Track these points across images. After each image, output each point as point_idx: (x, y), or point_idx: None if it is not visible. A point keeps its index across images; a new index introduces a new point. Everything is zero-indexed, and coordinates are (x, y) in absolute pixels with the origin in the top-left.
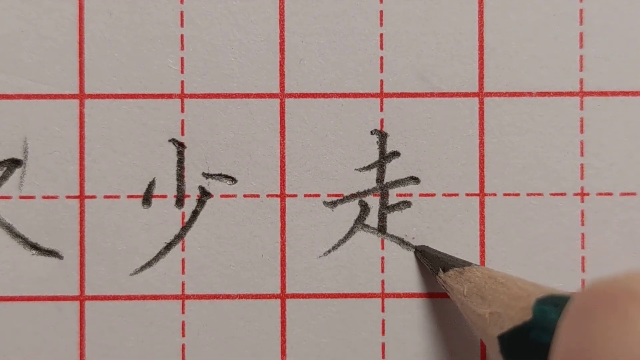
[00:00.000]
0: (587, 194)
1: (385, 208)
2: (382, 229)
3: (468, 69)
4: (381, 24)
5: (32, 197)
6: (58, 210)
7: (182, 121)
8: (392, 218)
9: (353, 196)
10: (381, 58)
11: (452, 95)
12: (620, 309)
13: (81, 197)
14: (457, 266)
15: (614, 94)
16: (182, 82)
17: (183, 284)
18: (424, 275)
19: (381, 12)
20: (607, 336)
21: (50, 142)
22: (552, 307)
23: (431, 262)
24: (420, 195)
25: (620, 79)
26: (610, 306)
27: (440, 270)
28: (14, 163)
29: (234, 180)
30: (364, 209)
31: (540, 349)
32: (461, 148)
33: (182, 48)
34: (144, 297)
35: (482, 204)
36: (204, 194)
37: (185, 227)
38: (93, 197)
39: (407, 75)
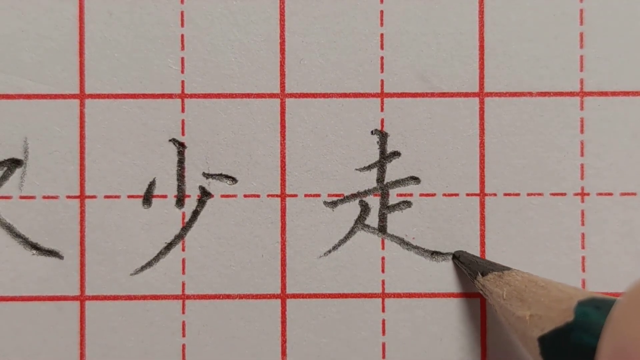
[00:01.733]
0: (588, 194)
1: (386, 208)
2: (382, 229)
3: (468, 69)
4: (381, 24)
5: (32, 197)
6: (58, 210)
7: (183, 121)
8: (392, 218)
9: (353, 196)
10: (381, 58)
11: (452, 95)
12: None
13: (81, 197)
14: (496, 270)
15: (614, 94)
16: (182, 82)
17: (183, 284)
18: (425, 275)
19: (381, 12)
20: None
21: (50, 142)
22: (594, 309)
23: (469, 267)
24: (421, 195)
25: (621, 79)
26: None
27: (479, 274)
28: (14, 163)
29: (234, 180)
30: (365, 209)
31: (581, 350)
32: (461, 148)
33: (182, 48)
34: (144, 297)
35: (482, 204)
36: (204, 194)
37: (186, 227)
38: (93, 197)
39: (408, 75)
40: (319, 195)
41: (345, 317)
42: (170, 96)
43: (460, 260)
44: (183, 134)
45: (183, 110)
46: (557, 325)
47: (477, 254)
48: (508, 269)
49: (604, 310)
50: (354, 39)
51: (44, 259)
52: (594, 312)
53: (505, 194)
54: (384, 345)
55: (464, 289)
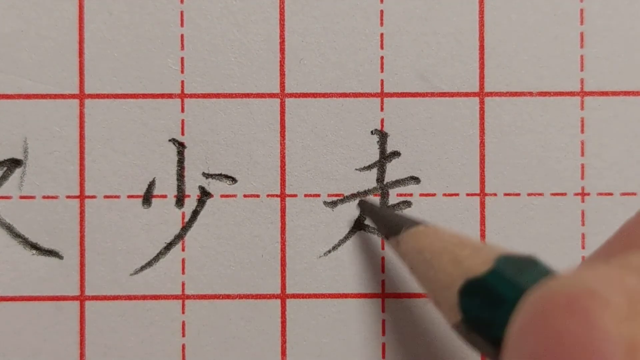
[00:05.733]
0: (588, 194)
1: (386, 208)
2: None
3: (468, 68)
4: (381, 24)
5: (32, 197)
6: (58, 210)
7: (182, 121)
8: None
9: (353, 196)
10: (381, 58)
11: (452, 95)
12: (581, 310)
13: (81, 197)
14: (406, 226)
15: (614, 94)
16: (182, 82)
17: (183, 284)
18: None
19: (381, 11)
20: (568, 339)
21: (50, 142)
22: (513, 263)
23: (376, 221)
24: (421, 195)
25: (621, 78)
26: (571, 307)
27: (391, 234)
28: (14, 163)
29: (234, 180)
30: None
31: (498, 300)
32: (462, 148)
33: (182, 48)
34: (144, 297)
35: (482, 204)
36: (204, 194)
37: (186, 227)
38: (93, 197)
39: (408, 75)
40: (319, 195)
41: (345, 317)
42: (170, 96)
43: (365, 211)
44: (183, 134)
45: (183, 110)
46: (476, 275)
47: None
48: (416, 223)
49: (522, 266)
50: (354, 39)
51: (44, 259)
52: (513, 264)
53: (506, 194)
54: (384, 345)
55: None
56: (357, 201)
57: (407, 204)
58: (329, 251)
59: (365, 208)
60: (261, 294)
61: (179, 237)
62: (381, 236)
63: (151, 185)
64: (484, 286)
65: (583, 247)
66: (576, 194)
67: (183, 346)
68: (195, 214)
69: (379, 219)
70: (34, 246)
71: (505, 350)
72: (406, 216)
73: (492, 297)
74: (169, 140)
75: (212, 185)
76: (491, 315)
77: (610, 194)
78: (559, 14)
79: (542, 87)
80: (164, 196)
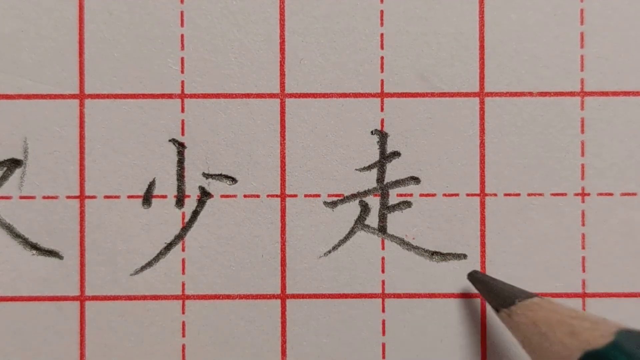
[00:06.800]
0: (588, 194)
1: (386, 208)
2: (382, 229)
3: (469, 68)
4: (381, 24)
5: (32, 197)
6: (58, 210)
7: (182, 121)
8: (392, 218)
9: (353, 196)
10: (381, 58)
11: (452, 95)
12: None
13: (81, 197)
14: (518, 297)
15: (614, 94)
16: (182, 82)
17: (183, 284)
18: (425, 275)
19: (381, 12)
20: None
21: (50, 142)
22: (633, 337)
23: (488, 293)
24: (421, 195)
25: (621, 79)
26: None
27: (502, 306)
28: (14, 163)
29: (234, 180)
30: (365, 209)
31: None
32: (462, 148)
33: (182, 48)
34: (144, 297)
35: (482, 204)
36: (204, 194)
37: (186, 227)
38: (93, 197)
39: (408, 75)
40: (319, 196)
41: (345, 317)
42: (170, 96)
43: (475, 281)
44: (183, 134)
45: (183, 110)
46: (596, 348)
47: (477, 254)
48: (530, 295)
49: None
50: (354, 39)
51: (44, 259)
52: (633, 339)
53: (506, 194)
54: (384, 345)
55: (463, 289)
56: (357, 201)
57: (407, 204)
58: (329, 251)
59: (475, 279)
60: (261, 294)
61: (179, 237)
62: (492, 308)
63: (151, 185)
64: (604, 359)
65: (583, 247)
66: (576, 194)
67: (183, 346)
68: (195, 214)
69: (490, 290)
70: (34, 246)
71: None
72: (517, 288)
73: None
74: (169, 140)
75: (212, 186)
76: None
77: (610, 194)
78: (559, 14)
79: (542, 87)
80: (164, 196)
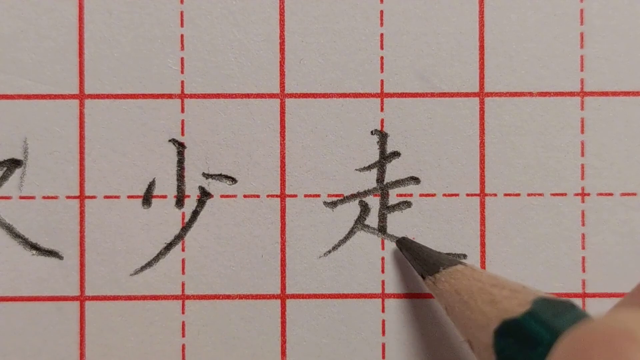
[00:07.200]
0: (588, 194)
1: (386, 208)
2: (382, 229)
3: (468, 69)
4: (381, 24)
5: (32, 197)
6: (58, 210)
7: (182, 121)
8: (392, 218)
9: (353, 196)
10: (381, 58)
11: (452, 95)
12: (618, 350)
13: (81, 197)
14: (443, 265)
15: (614, 94)
16: (182, 82)
17: (183, 284)
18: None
19: (381, 12)
20: None
21: (50, 142)
22: (549, 306)
23: (415, 260)
24: (421, 195)
25: (621, 79)
26: (608, 347)
27: (428, 274)
28: (14, 163)
29: (234, 180)
30: (364, 209)
31: (534, 341)
32: (461, 148)
33: (182, 48)
34: (144, 297)
35: (482, 204)
36: (204, 194)
37: (185, 228)
38: (93, 197)
39: (408, 75)
40: (318, 196)
41: (345, 318)
42: (170, 96)
43: (403, 247)
44: (183, 134)
45: (183, 110)
46: (513, 316)
47: (477, 254)
48: (454, 262)
49: (559, 309)
50: (354, 39)
51: (44, 259)
52: (550, 308)
53: (506, 194)
54: (383, 345)
55: None
56: (356, 201)
57: (407, 204)
58: (329, 251)
59: (403, 245)
60: (261, 294)
61: (179, 237)
62: (419, 273)
63: (151, 185)
64: (520, 327)
65: (583, 247)
66: (576, 194)
67: (183, 346)
68: (195, 214)
69: (416, 257)
70: (34, 246)
71: None
72: (444, 255)
73: (528, 338)
74: (169, 141)
75: (212, 186)
76: (526, 356)
77: (610, 194)
78: (559, 14)
79: (542, 88)
80: (164, 196)
